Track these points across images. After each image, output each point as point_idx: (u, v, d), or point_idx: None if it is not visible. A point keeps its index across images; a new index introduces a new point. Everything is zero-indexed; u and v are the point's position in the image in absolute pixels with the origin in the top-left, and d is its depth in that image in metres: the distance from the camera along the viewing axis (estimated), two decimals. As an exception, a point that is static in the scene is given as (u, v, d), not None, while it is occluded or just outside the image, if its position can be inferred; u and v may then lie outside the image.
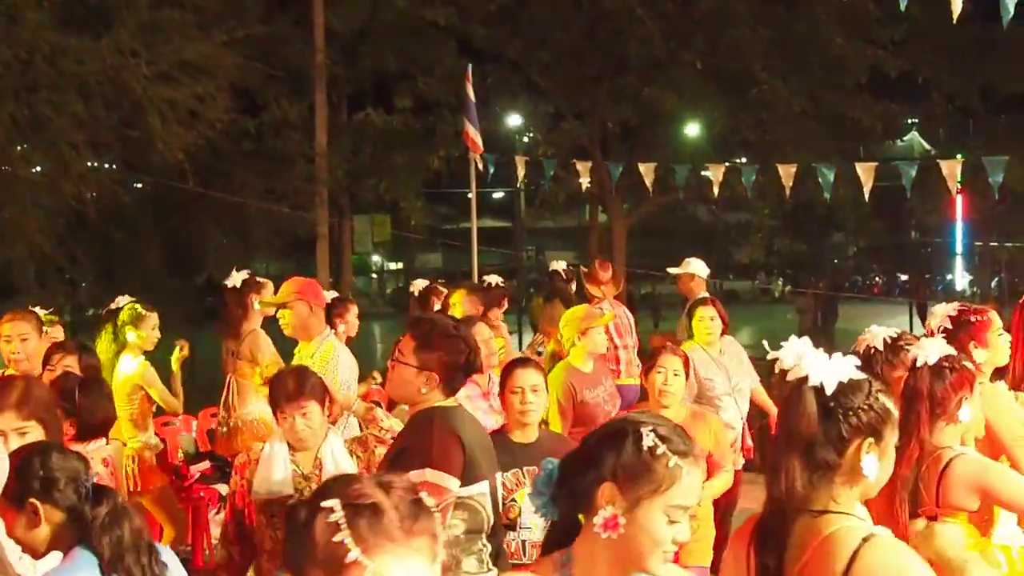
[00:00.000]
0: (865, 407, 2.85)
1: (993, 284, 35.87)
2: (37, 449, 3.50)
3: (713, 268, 10.60)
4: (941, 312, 5.16)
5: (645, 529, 2.55)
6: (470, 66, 13.49)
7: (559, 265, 11.34)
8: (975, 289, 37.24)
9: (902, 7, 8.59)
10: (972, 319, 5.08)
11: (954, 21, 9.06)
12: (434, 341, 4.25)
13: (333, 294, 9.30)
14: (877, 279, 44.58)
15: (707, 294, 9.66)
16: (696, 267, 10.04)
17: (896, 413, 2.94)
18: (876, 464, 2.84)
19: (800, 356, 2.93)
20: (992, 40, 22.54)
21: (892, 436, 2.92)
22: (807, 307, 29.53)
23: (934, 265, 46.80)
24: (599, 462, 2.59)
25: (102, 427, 5.31)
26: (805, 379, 2.88)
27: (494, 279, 10.17)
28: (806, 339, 3.20)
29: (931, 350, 4.18)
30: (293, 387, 5.15)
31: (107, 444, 5.30)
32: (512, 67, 23.21)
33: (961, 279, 41.28)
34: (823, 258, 41.55)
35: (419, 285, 9.87)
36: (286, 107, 19.84)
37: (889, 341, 4.70)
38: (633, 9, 21.01)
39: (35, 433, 4.01)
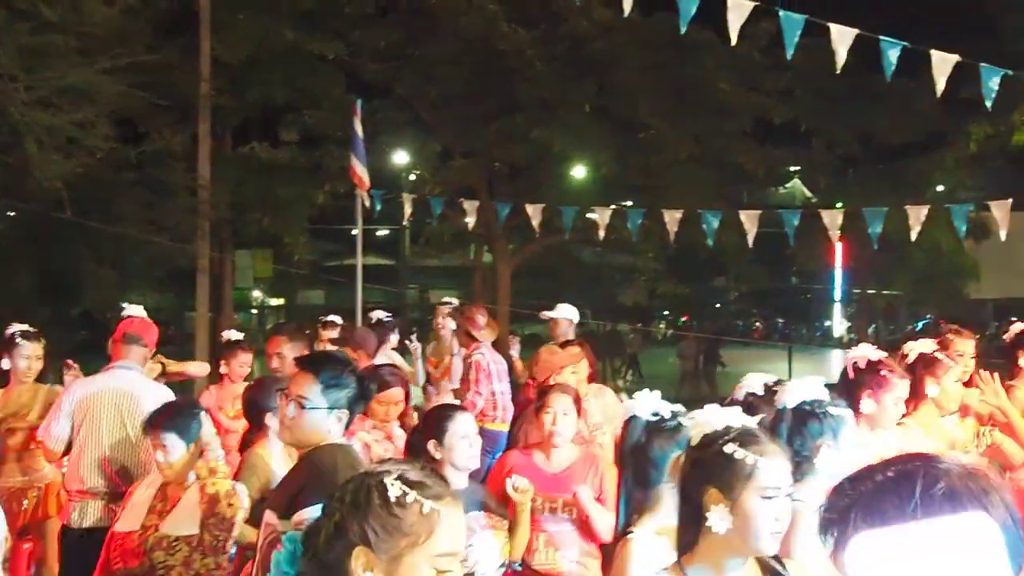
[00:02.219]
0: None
1: (869, 331, 36.57)
2: None
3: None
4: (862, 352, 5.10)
5: None
6: (359, 101, 13.34)
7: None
8: (852, 336, 37.92)
9: (788, 55, 8.70)
10: (883, 372, 5.01)
11: (837, 71, 9.25)
12: (343, 379, 4.12)
13: (236, 334, 8.92)
14: (757, 324, 45.20)
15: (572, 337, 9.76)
16: (565, 312, 10.11)
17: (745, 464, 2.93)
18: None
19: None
20: (873, 91, 23.04)
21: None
22: (689, 351, 29.76)
23: (814, 311, 47.63)
24: (345, 526, 2.31)
25: None
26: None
27: (379, 314, 10.08)
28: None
29: (794, 394, 4.12)
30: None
31: None
32: (401, 103, 23.10)
33: (839, 326, 42.12)
34: (706, 302, 42.03)
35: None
36: (169, 137, 19.45)
37: (770, 386, 4.71)
38: (524, 50, 21.10)
39: None
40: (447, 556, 2.32)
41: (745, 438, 2.95)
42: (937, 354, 5.70)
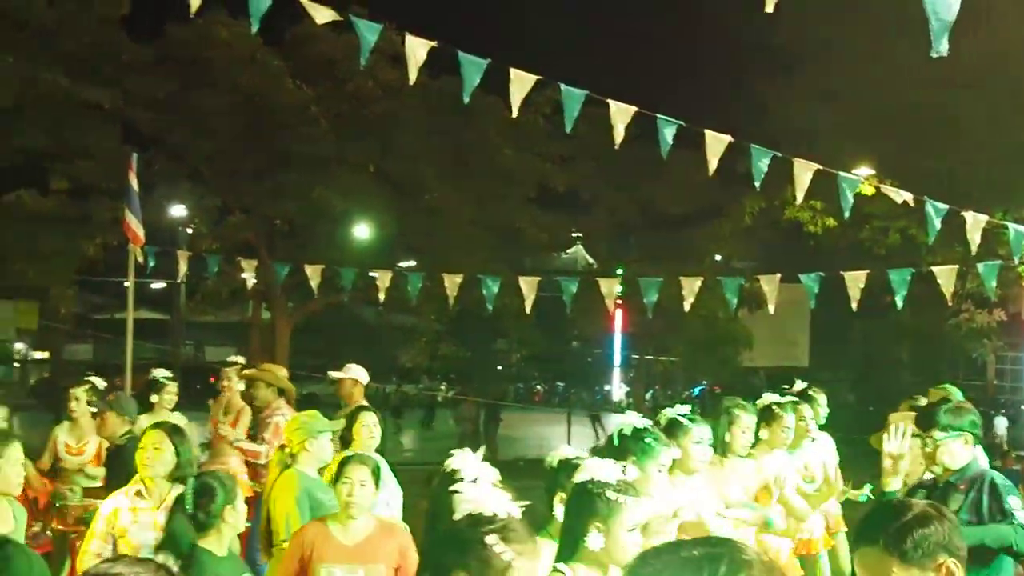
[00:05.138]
0: None
1: (648, 396, 37.22)
2: None
3: (377, 371, 10.44)
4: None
5: None
6: (135, 155, 12.81)
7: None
8: (630, 400, 38.55)
9: (568, 128, 8.72)
10: (647, 440, 5.12)
11: (616, 146, 9.35)
12: None
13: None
14: (538, 387, 45.50)
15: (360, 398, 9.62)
16: (357, 372, 9.89)
17: None
18: None
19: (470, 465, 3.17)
20: (652, 162, 23.55)
21: None
22: (468, 413, 29.69)
23: (594, 376, 48.26)
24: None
25: None
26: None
27: (160, 372, 9.69)
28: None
29: (597, 471, 4.05)
30: None
31: None
32: (177, 156, 22.46)
33: (618, 390, 42.73)
34: (487, 364, 42.18)
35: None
36: (-73, 181, 18.45)
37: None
38: (308, 106, 20.79)
39: None
40: None
41: (508, 533, 2.82)
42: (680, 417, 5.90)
